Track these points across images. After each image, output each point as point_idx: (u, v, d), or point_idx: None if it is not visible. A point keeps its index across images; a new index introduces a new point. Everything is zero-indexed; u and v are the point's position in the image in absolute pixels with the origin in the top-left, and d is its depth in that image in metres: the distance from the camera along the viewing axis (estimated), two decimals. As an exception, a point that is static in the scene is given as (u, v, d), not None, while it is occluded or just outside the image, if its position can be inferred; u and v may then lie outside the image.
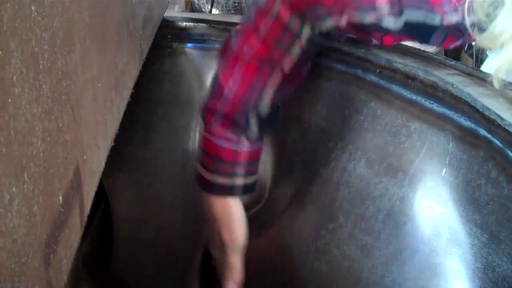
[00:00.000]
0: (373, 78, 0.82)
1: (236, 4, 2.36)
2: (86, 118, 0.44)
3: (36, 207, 0.32)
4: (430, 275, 0.74)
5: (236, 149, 0.84)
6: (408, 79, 0.77)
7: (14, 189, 0.29)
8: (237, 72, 0.80)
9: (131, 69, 0.65)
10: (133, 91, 0.70)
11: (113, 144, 0.60)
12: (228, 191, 0.86)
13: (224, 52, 0.82)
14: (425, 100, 0.75)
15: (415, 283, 0.75)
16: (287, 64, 0.80)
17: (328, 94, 0.89)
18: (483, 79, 0.73)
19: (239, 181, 0.86)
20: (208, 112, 0.83)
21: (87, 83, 0.44)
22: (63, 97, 0.37)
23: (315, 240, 0.86)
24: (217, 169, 0.84)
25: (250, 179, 0.87)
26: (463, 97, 0.69)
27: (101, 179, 0.98)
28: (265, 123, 0.84)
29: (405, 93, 0.78)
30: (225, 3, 2.37)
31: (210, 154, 0.84)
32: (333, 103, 0.88)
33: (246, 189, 0.87)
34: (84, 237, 1.06)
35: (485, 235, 0.69)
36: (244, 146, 0.85)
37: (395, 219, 0.77)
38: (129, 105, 0.68)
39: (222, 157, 0.84)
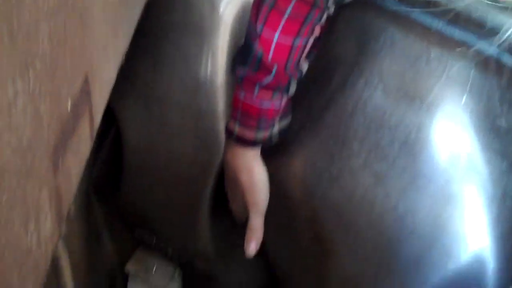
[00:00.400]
0: (392, 3, 0.79)
1: None
2: (95, 27, 0.42)
3: (42, 108, 0.31)
4: (445, 203, 0.73)
5: (279, 107, 0.87)
6: (429, 4, 0.74)
7: (18, 84, 0.27)
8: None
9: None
10: (143, 15, 0.68)
11: (123, 66, 0.58)
12: (268, 141, 0.89)
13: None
14: (445, 26, 0.73)
15: (429, 211, 0.74)
16: (317, 30, 0.81)
17: (344, 20, 0.86)
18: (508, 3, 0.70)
19: (276, 128, 0.89)
20: (247, 82, 0.85)
21: (95, -10, 0.42)
22: (69, 1, 0.35)
23: (328, 167, 0.84)
24: (259, 126, 0.87)
25: (285, 122, 0.90)
26: (485, 21, 0.66)
27: (110, 104, 0.98)
28: None
29: (426, 19, 0.75)
30: None
31: (252, 115, 0.86)
32: (350, 30, 0.85)
33: (282, 132, 0.90)
34: (94, 162, 1.06)
35: (505, 162, 0.68)
36: (284, 101, 0.87)
37: (411, 147, 0.76)
38: (139, 31, 0.66)
39: (266, 116, 0.87)
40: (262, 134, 0.88)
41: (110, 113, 1.01)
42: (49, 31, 0.31)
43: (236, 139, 0.89)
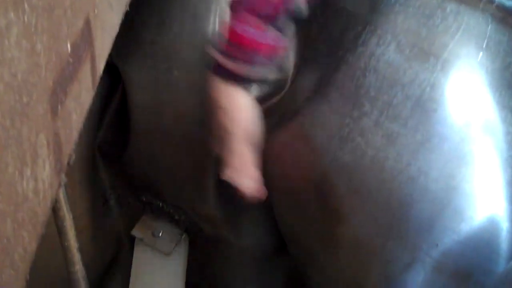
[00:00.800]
0: (407, -43, 0.76)
1: None
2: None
3: (39, 46, 0.29)
4: (459, 164, 0.71)
5: (260, 40, 0.79)
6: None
7: (11, 14, 0.25)
8: None
9: None
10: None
11: (120, 29, 0.55)
12: (242, 81, 0.81)
13: None
14: (463, -22, 0.70)
15: (442, 171, 0.72)
16: None
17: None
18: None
19: (256, 72, 0.81)
20: (239, 4, 0.78)
21: None
22: None
23: (339, 128, 0.82)
24: (236, 57, 0.80)
25: (268, 74, 0.83)
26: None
27: (116, 65, 0.96)
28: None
29: (442, -28, 0.72)
30: None
31: (232, 41, 0.79)
32: (362, -15, 0.82)
33: (262, 82, 0.84)
34: (100, 124, 1.05)
35: (521, 122, 0.66)
36: (268, 38, 0.79)
37: (425, 106, 0.74)
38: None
39: (244, 45, 0.79)
40: (239, 68, 0.80)
41: (116, 74, 0.99)
42: (46, -37, 0.29)
43: (228, 75, 0.80)
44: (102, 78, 0.96)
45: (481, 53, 0.69)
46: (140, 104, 0.98)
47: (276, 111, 0.94)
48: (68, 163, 0.35)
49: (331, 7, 0.87)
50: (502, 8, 0.66)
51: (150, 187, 1.12)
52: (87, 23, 0.37)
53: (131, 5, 0.58)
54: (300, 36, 0.93)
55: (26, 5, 0.27)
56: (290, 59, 0.94)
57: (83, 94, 0.37)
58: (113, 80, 1.01)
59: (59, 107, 0.32)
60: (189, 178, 1.05)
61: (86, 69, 0.37)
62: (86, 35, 0.37)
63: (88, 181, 1.05)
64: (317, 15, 0.89)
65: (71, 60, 0.34)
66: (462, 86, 0.70)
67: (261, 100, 0.94)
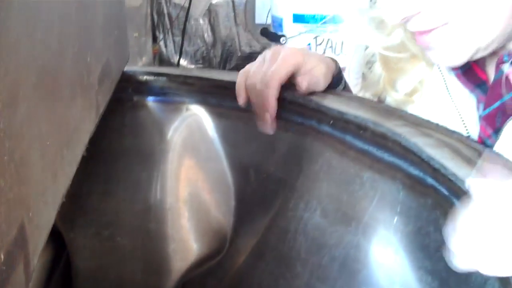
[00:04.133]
0: (327, 129, 0.84)
1: (204, 55, 2.40)
2: (33, 176, 0.45)
3: (-27, 266, 0.33)
4: (385, 322, 0.75)
5: None
6: (360, 130, 0.79)
7: None
8: None
9: (85, 125, 0.66)
10: (93, 143, 0.71)
11: (66, 199, 0.60)
12: None
13: None
14: (376, 150, 0.78)
15: (370, 330, 0.76)
16: None
17: (285, 144, 0.91)
18: (430, 128, 0.76)
19: None
20: None
21: (34, 141, 0.45)
22: (5, 157, 0.39)
23: (274, 289, 0.86)
24: None
25: None
26: (410, 147, 0.71)
27: (61, 232, 1.00)
28: None
29: (358, 144, 0.80)
30: (193, 53, 2.40)
31: None
32: (290, 154, 0.90)
33: None
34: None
35: (436, 281, 0.71)
36: None
37: (350, 267, 0.79)
38: (89, 157, 0.69)
39: None
40: None
41: (60, 241, 1.02)
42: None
43: None
44: (46, 245, 0.99)
45: (396, 218, 0.75)
46: (84, 270, 1.01)
47: (217, 271, 0.98)
48: None
49: (263, 172, 0.94)
50: (410, 177, 0.73)
51: None
52: (21, 229, 0.42)
53: (76, 174, 0.63)
54: (237, 199, 0.99)
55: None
56: (228, 220, 1.00)
57: (16, 294, 0.41)
58: (57, 246, 1.04)
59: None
60: None
61: (19, 271, 0.41)
62: (20, 241, 0.41)
63: None
64: (250, 179, 0.96)
65: (4, 268, 0.38)
66: (381, 249, 0.76)
67: (201, 262, 0.99)
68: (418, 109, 0.96)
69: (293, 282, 0.84)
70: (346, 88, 0.97)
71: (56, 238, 1.00)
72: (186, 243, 0.98)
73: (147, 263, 0.99)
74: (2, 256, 0.38)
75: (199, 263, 0.98)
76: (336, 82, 0.93)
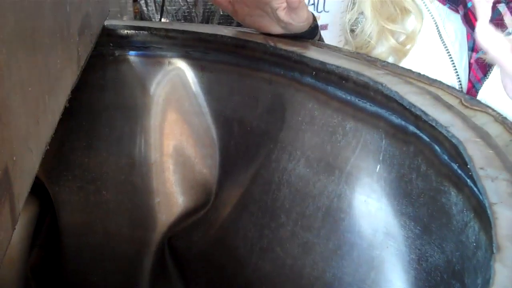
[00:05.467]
0: (309, 80, 0.84)
1: (186, 14, 2.38)
2: (15, 120, 0.45)
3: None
4: (368, 268, 0.77)
5: None
6: (342, 80, 0.79)
7: None
8: None
9: (67, 75, 0.66)
10: (76, 97, 0.71)
11: (50, 154, 0.60)
12: None
13: None
14: (358, 100, 0.78)
15: (354, 276, 0.78)
16: None
17: (268, 97, 0.91)
18: (411, 77, 0.76)
19: None
20: None
21: (15, 86, 0.45)
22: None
23: (259, 239, 0.87)
24: None
25: None
26: (392, 95, 0.72)
27: (46, 187, 1.00)
28: None
29: (340, 94, 0.80)
30: (175, 12, 2.38)
31: None
32: (273, 106, 0.90)
33: None
34: (32, 247, 1.07)
35: (418, 227, 0.72)
36: None
37: (334, 215, 0.80)
38: (72, 112, 0.69)
39: None
40: None
41: (46, 196, 1.02)
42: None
43: None
44: (32, 200, 1.00)
45: (378, 166, 0.76)
46: (70, 224, 1.01)
47: (202, 224, 0.99)
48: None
49: (246, 125, 0.94)
50: (392, 125, 0.74)
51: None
52: (5, 172, 0.42)
53: (59, 129, 0.63)
54: (221, 152, 0.99)
55: None
56: (213, 173, 1.00)
57: (2, 236, 0.41)
58: (43, 200, 1.04)
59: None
60: (121, 294, 1.07)
61: (4, 213, 0.42)
62: (4, 183, 0.41)
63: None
64: (234, 133, 0.97)
65: (-11, 208, 0.38)
66: (364, 196, 0.77)
67: (187, 215, 0.99)
68: (411, 58, 0.96)
69: (278, 232, 0.85)
70: (320, 39, 0.98)
71: (42, 194, 1.00)
72: (171, 196, 0.99)
73: (133, 217, 1.00)
74: (-13, 196, 0.38)
75: (185, 216, 0.99)
76: (312, 32, 0.93)
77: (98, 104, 0.98)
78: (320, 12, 1.96)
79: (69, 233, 1.02)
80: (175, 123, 0.99)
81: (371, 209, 0.76)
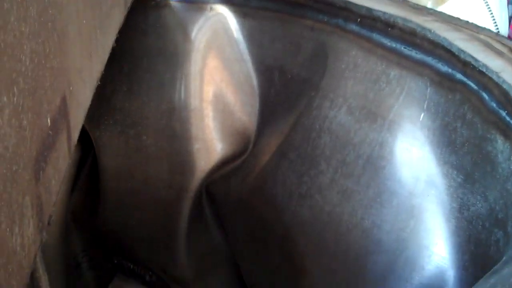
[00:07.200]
0: (354, 27, 0.83)
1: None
2: (72, 49, 0.46)
3: (25, 122, 0.34)
4: (408, 217, 0.77)
5: None
6: (387, 27, 0.78)
7: (5, 98, 0.30)
8: None
9: (115, 14, 0.66)
10: (118, 41, 0.71)
11: (99, 91, 0.61)
12: None
13: None
14: (404, 47, 0.77)
15: (393, 224, 0.78)
16: None
17: (310, 44, 0.90)
18: (459, 25, 0.75)
19: None
20: None
21: (72, 16, 0.45)
22: (49, 23, 0.39)
23: (298, 186, 0.88)
24: None
25: None
26: (439, 41, 0.71)
27: (87, 130, 1.01)
28: None
29: (385, 41, 0.79)
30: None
31: None
32: (315, 53, 0.90)
33: None
34: (72, 190, 1.09)
35: (460, 176, 0.72)
36: None
37: (375, 163, 0.80)
38: (114, 56, 0.69)
39: None
40: None
41: (87, 141, 1.03)
42: (31, 52, 0.35)
43: None
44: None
45: (422, 114, 0.75)
46: (110, 168, 1.02)
47: (240, 171, 0.99)
48: (48, 223, 0.40)
49: (287, 73, 0.94)
50: (439, 73, 0.73)
51: (121, 249, 1.16)
52: (64, 100, 0.42)
53: (103, 72, 0.64)
54: (260, 100, 0.99)
55: (15, 89, 0.32)
56: (252, 121, 1.01)
57: (60, 162, 0.42)
58: (85, 145, 1.06)
59: (41, 173, 0.37)
60: (159, 240, 1.09)
61: (63, 139, 0.42)
62: (63, 110, 0.42)
63: (61, 245, 1.08)
64: (274, 80, 0.96)
65: (50, 132, 0.39)
66: (407, 145, 0.77)
67: (225, 162, 1.00)
68: (450, 9, 0.95)
69: (317, 179, 0.85)
70: None
71: (83, 137, 1.01)
72: (210, 143, 0.99)
73: (172, 163, 1.00)
74: (49, 121, 0.39)
75: (223, 163, 0.99)
76: None
77: (140, 49, 0.98)
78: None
79: (109, 177, 1.04)
80: (215, 70, 0.99)
81: (413, 158, 0.76)
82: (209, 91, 0.99)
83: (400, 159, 0.78)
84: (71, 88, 0.45)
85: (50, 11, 0.39)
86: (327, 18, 0.87)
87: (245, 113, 0.99)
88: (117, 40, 0.70)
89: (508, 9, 0.87)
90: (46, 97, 0.38)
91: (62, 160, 0.43)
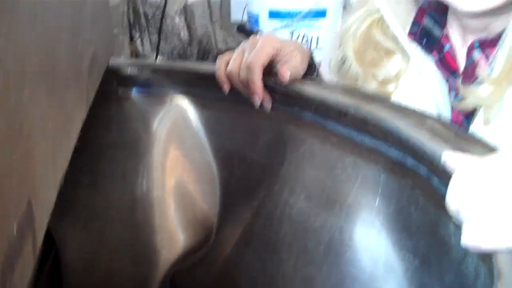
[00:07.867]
0: (309, 116, 0.87)
1: (181, 53, 2.41)
2: (37, 153, 0.47)
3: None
4: (370, 301, 0.78)
5: None
6: (340, 115, 0.82)
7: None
8: None
9: (78, 112, 0.68)
10: (80, 135, 0.73)
11: (61, 186, 0.62)
12: None
13: None
14: (356, 135, 0.80)
15: (356, 309, 0.79)
16: None
17: (268, 133, 0.93)
18: (408, 113, 0.79)
19: None
20: None
21: (37, 121, 0.47)
22: (16, 129, 0.41)
23: (262, 274, 0.89)
24: None
25: None
26: (390, 129, 0.74)
27: (49, 226, 1.01)
28: None
29: (339, 129, 0.83)
30: (170, 52, 2.40)
31: None
32: (273, 142, 0.93)
33: None
34: (36, 285, 1.07)
35: (417, 259, 0.74)
36: None
37: (335, 249, 0.82)
38: (77, 150, 0.71)
39: None
40: None
41: (50, 235, 1.03)
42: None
43: None
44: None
45: (377, 200, 0.78)
46: (73, 263, 1.01)
47: (205, 261, 1.00)
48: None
49: (247, 161, 0.96)
50: (390, 160, 0.76)
51: None
52: (29, 203, 0.44)
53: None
54: (221, 188, 1.01)
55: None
56: (214, 210, 1.02)
57: (26, 267, 0.43)
58: (48, 240, 1.05)
59: (8, 283, 0.38)
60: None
61: (29, 244, 0.43)
62: (29, 214, 0.43)
63: None
64: (234, 168, 0.99)
65: (17, 239, 0.40)
66: (364, 230, 0.79)
67: (189, 253, 1.00)
68: (394, 99, 0.99)
69: (281, 267, 0.87)
70: (318, 75, 1.00)
71: (45, 233, 1.00)
72: (173, 233, 1.00)
73: (136, 255, 1.01)
74: (15, 227, 0.40)
75: (187, 253, 1.00)
76: (310, 69, 0.95)
77: (102, 142, 1.00)
78: (313, 50, 2.01)
79: (72, 273, 1.03)
80: (176, 160, 1.01)
81: (371, 243, 0.78)
82: (171, 182, 1.01)
83: (360, 244, 0.80)
84: (36, 191, 0.46)
85: (17, 120, 0.41)
86: (284, 107, 0.90)
87: (207, 202, 1.00)
88: (79, 135, 0.72)
89: (450, 96, 0.91)
90: (13, 204, 0.39)
91: (28, 266, 0.43)
